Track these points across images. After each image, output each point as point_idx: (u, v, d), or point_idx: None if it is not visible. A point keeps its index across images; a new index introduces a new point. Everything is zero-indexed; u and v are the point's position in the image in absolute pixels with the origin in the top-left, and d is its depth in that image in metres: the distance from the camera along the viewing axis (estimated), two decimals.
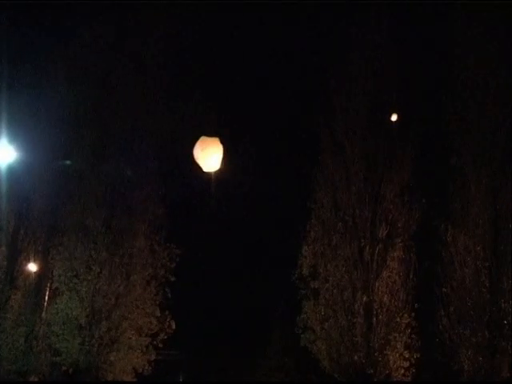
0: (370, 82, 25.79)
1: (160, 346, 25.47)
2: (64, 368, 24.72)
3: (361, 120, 25.40)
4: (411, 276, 24.42)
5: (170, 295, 25.68)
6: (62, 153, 25.99)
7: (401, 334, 24.09)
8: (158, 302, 25.63)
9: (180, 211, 26.80)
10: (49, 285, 25.42)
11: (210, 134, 14.26)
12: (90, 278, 25.14)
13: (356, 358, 24.08)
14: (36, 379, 24.93)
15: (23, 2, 26.38)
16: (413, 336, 24.14)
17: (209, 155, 13.79)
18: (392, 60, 25.42)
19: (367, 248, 24.65)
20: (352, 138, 25.34)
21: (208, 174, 14.27)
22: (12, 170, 24.60)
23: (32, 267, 25.63)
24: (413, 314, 24.19)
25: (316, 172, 25.53)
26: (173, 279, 25.78)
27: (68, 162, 25.89)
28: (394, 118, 25.11)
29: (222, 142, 14.02)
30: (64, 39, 26.88)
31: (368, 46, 25.68)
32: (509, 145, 24.08)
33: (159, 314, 25.52)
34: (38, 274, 25.54)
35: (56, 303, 24.95)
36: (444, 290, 23.92)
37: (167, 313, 25.55)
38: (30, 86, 26.55)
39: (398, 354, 24.02)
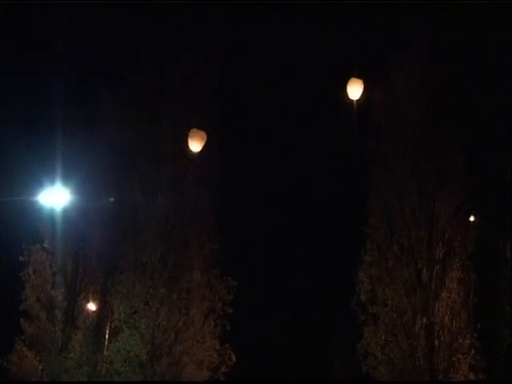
0: (417, 103, 25.62)
1: (221, 379, 25.45)
2: None
3: (410, 140, 25.19)
4: (471, 296, 23.93)
5: (228, 327, 25.70)
6: (115, 192, 26.37)
7: (465, 356, 23.56)
8: (217, 335, 25.64)
9: (235, 243, 26.92)
10: (109, 323, 25.68)
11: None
12: (149, 314, 25.30)
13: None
14: None
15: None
16: (477, 357, 23.59)
17: None
18: (437, 78, 25.20)
19: (425, 269, 24.30)
20: (402, 159, 25.13)
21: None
22: (68, 212, 25.08)
23: (91, 307, 25.98)
24: (475, 335, 23.67)
25: (368, 196, 25.37)
26: (230, 311, 25.81)
27: (121, 201, 26.25)
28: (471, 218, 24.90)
29: None
30: (115, 83, 27.46)
31: (412, 65, 25.53)
32: None
33: (219, 347, 25.53)
34: (98, 313, 25.84)
35: (116, 341, 25.14)
36: (506, 308, 23.39)
37: (227, 345, 25.56)
38: (83, 129, 27.12)
39: (463, 376, 23.49)
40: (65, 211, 24.83)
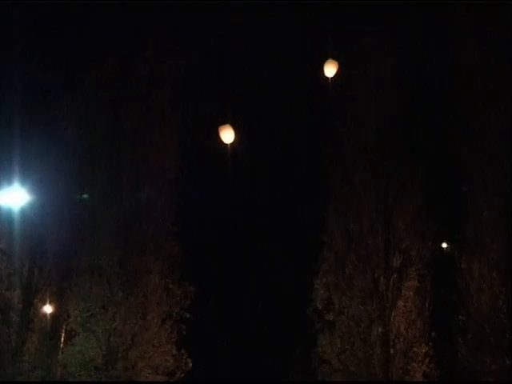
0: (377, 112, 25.92)
1: None
2: None
3: (369, 150, 25.46)
4: (427, 305, 24.30)
5: (185, 333, 25.64)
6: (74, 194, 26.16)
7: (419, 364, 23.91)
8: (173, 340, 25.55)
9: (193, 248, 26.89)
10: (65, 326, 25.41)
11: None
12: (105, 318, 25.12)
13: None
14: None
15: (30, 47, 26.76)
16: (431, 365, 23.94)
17: None
18: (398, 88, 25.52)
19: (381, 278, 24.57)
20: (361, 168, 25.39)
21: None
22: (25, 213, 24.77)
23: (47, 309, 25.66)
24: (430, 344, 24.02)
25: (327, 204, 25.55)
26: (188, 316, 25.75)
27: (81, 200, 26.04)
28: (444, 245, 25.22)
29: None
30: (74, 83, 27.20)
31: (372, 78, 25.84)
32: None
33: (175, 352, 25.44)
34: (54, 315, 25.53)
35: (72, 344, 24.92)
36: (461, 317, 23.72)
37: (183, 351, 25.49)
38: (42, 130, 26.84)
39: None
40: (22, 211, 24.50)
